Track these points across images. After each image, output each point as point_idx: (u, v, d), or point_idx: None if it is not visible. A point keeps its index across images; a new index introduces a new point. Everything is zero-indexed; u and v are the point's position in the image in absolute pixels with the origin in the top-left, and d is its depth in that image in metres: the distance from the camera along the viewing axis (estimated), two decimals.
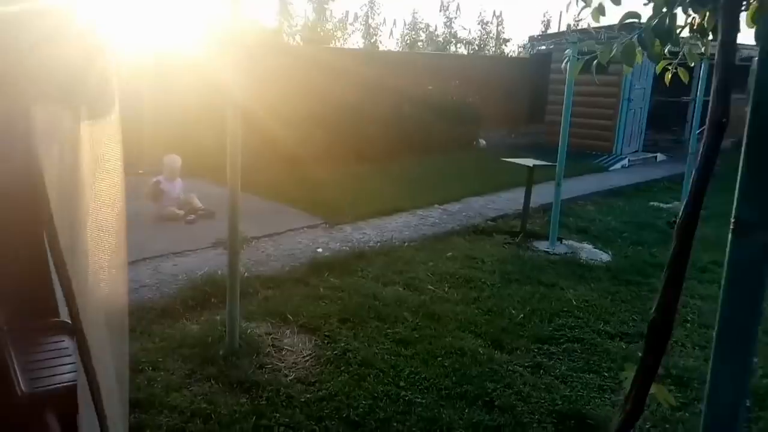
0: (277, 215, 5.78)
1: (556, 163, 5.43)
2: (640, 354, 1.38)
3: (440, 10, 18.75)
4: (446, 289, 4.28)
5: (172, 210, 5.38)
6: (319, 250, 4.83)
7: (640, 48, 2.14)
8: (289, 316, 3.60)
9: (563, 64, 4.19)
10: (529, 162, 5.61)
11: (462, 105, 10.88)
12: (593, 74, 2.04)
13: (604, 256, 5.34)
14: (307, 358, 3.19)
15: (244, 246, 4.76)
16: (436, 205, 6.60)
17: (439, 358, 3.25)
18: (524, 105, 13.14)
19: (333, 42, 15.64)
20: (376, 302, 3.88)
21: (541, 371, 3.24)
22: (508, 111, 12.87)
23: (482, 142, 11.54)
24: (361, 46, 17.23)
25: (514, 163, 5.80)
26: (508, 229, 5.94)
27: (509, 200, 7.10)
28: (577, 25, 16.97)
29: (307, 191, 6.79)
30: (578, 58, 2.89)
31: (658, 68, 2.56)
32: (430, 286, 4.28)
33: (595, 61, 2.07)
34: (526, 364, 3.29)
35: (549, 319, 3.88)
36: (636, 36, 1.87)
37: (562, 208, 5.60)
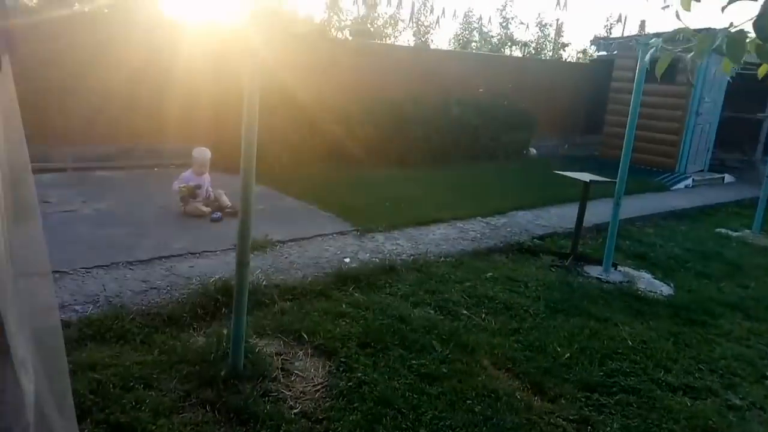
0: (308, 218, 5.44)
1: (616, 180, 4.88)
2: (707, 415, 0.99)
3: (497, 11, 18.14)
4: (483, 315, 3.82)
5: (198, 206, 5.12)
6: (347, 260, 4.45)
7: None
8: (304, 334, 3.24)
9: (645, 57, 3.63)
10: (586, 177, 5.07)
11: (514, 110, 10.31)
12: (688, 77, 1.56)
13: (665, 289, 4.75)
14: (318, 387, 2.82)
15: (267, 250, 4.45)
16: (479, 218, 6.13)
17: (469, 401, 2.81)
18: (581, 114, 12.41)
19: (383, 39, 15.30)
20: (403, 326, 3.46)
21: (589, 428, 2.76)
22: (563, 119, 12.18)
23: (533, 151, 10.94)
24: (412, 44, 16.82)
25: (569, 177, 5.25)
26: (556, 249, 5.41)
27: (559, 217, 6.54)
28: (643, 30, 16.05)
29: (343, 193, 6.45)
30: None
31: (761, 71, 2.07)
32: (465, 311, 3.83)
33: (689, 57, 1.60)
34: (571, 417, 2.81)
35: (600, 362, 3.38)
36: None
37: (618, 229, 5.04)
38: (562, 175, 5.38)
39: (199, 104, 7.17)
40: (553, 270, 4.95)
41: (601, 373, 3.26)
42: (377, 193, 6.68)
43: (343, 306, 3.68)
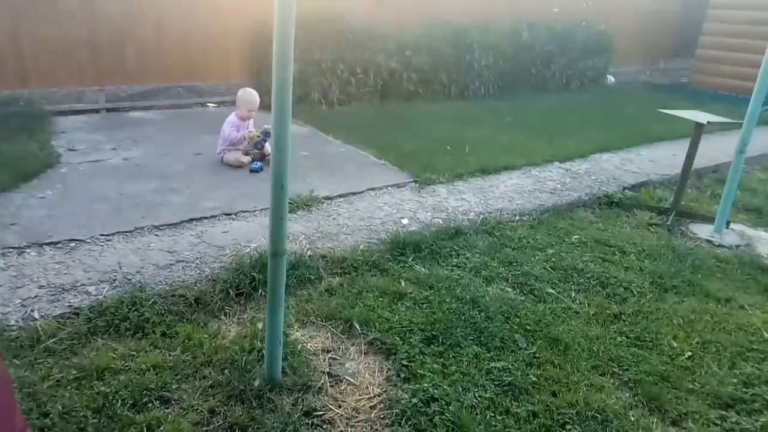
0: (358, 167, 4.76)
1: (741, 121, 3.90)
2: None
3: None
4: (573, 295, 3.11)
5: (238, 156, 4.52)
6: (405, 221, 3.78)
7: None
8: (356, 324, 2.65)
9: None
10: (701, 117, 4.09)
11: (592, 32, 9.00)
12: None
13: None
14: (375, 401, 2.24)
15: (313, 209, 3.83)
16: (557, 163, 5.26)
17: (569, 426, 2.17)
18: (668, 34, 10.83)
19: None
20: (476, 312, 2.81)
21: None
22: (647, 41, 10.68)
23: (611, 78, 9.67)
24: None
25: (676, 116, 4.28)
26: (653, 203, 4.54)
27: (652, 161, 5.58)
28: None
29: (397, 135, 5.69)
30: None
31: None
32: (550, 289, 3.13)
33: None
34: None
35: (731, 362, 2.65)
36: None
37: (718, 172, 4.11)
38: (667, 114, 4.38)
39: (236, 33, 6.44)
40: (652, 230, 4.12)
41: (735, 381, 2.53)
42: (437, 133, 5.88)
43: (402, 283, 3.05)
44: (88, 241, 3.15)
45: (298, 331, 2.63)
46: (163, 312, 2.60)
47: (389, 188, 4.32)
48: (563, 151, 5.55)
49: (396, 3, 7.35)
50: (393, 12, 7.24)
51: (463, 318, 2.76)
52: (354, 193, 4.15)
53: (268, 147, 4.67)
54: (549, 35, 8.47)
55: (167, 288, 2.77)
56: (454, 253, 3.45)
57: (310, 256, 3.20)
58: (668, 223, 4.20)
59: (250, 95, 4.61)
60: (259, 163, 4.46)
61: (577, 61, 8.87)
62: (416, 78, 7.29)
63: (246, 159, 4.54)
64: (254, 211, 3.71)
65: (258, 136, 4.53)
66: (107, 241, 3.19)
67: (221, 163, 4.58)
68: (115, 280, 2.80)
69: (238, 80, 6.61)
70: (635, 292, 3.17)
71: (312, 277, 3.03)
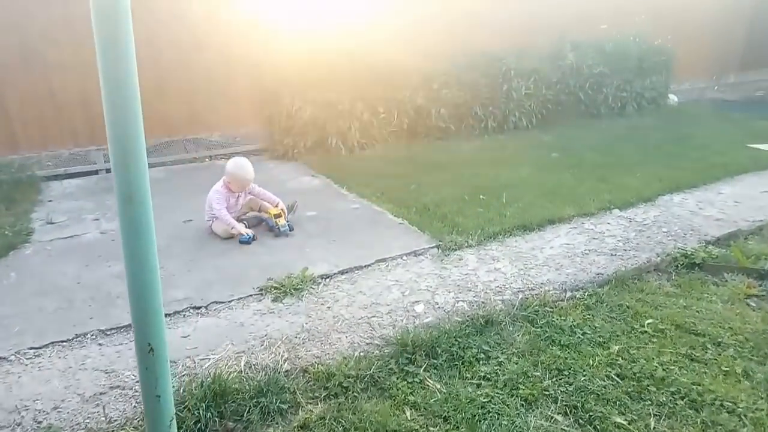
0: (371, 228, 3.99)
1: None
2: None
3: None
4: (652, 425, 2.17)
5: (226, 227, 3.82)
6: (419, 308, 2.95)
7: None
8: None
9: None
10: None
11: (648, 48, 7.98)
12: None
13: None
14: None
15: (304, 294, 3.06)
16: (616, 211, 4.31)
17: None
18: (737, 44, 9.62)
19: None
20: None
21: None
22: (712, 53, 9.52)
23: (673, 98, 8.57)
24: None
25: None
26: (748, 262, 3.51)
27: (737, 201, 4.53)
28: None
29: (422, 182, 4.90)
30: None
31: None
32: (618, 418, 2.20)
33: None
34: None
35: None
36: None
37: None
38: (757, 149, 3.38)
39: (242, 78, 5.90)
40: (753, 305, 3.10)
41: None
42: (468, 178, 5.05)
43: (407, 412, 2.22)
44: (11, 359, 2.50)
45: None
46: None
47: (404, 258, 3.51)
48: (623, 193, 4.59)
49: (418, 31, 6.66)
50: (416, 42, 6.54)
51: None
52: (359, 267, 3.36)
53: (272, 205, 3.99)
54: (598, 55, 7.53)
55: None
56: (482, 355, 2.58)
57: (287, 371, 2.42)
58: None
59: (242, 169, 3.85)
60: (249, 234, 3.75)
61: (632, 81, 7.86)
62: (447, 114, 6.51)
63: (236, 232, 3.84)
64: (230, 301, 2.98)
65: (277, 215, 3.88)
66: (35, 356, 2.53)
67: (210, 232, 3.91)
68: (20, 424, 2.11)
69: (248, 127, 6.07)
70: (747, 420, 2.19)
71: (284, 407, 2.25)
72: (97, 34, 1.16)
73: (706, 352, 2.63)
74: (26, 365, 2.46)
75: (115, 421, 2.13)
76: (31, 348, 2.57)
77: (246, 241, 3.70)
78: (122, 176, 1.26)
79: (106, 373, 2.41)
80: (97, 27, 1.16)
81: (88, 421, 2.13)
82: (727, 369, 2.50)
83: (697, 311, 2.98)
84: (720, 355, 2.61)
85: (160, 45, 5.41)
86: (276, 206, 3.96)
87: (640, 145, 6.28)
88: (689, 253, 3.58)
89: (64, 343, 2.61)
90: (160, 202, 4.64)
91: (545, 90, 7.10)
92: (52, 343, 2.61)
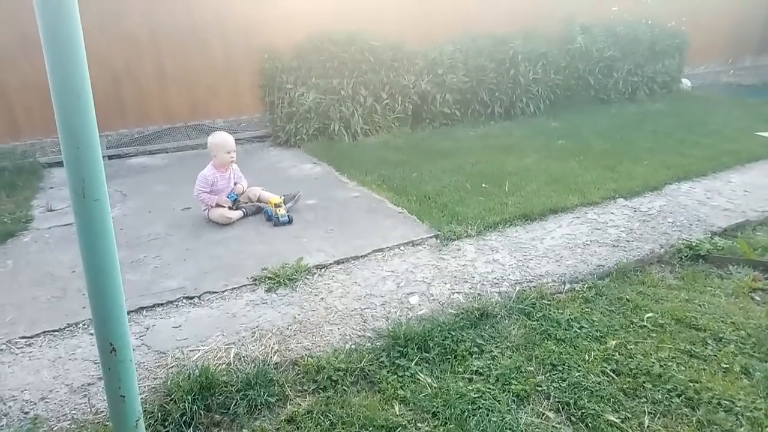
0: (369, 217, 3.94)
1: None
2: None
3: None
4: (646, 423, 2.12)
5: (222, 212, 3.82)
6: (413, 299, 2.91)
7: None
8: None
9: None
10: None
11: (661, 31, 7.77)
12: None
13: None
14: None
15: (297, 284, 3.03)
16: (621, 200, 4.22)
17: None
18: (753, 27, 9.34)
19: None
20: None
21: None
22: (727, 36, 9.26)
23: (686, 83, 8.36)
24: None
25: None
26: (755, 255, 3.41)
27: (747, 191, 4.41)
28: None
29: (423, 170, 4.83)
30: None
31: None
32: (611, 415, 2.15)
33: None
34: None
35: None
36: None
37: None
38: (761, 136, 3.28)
39: (243, 64, 5.83)
40: (758, 299, 3.02)
41: None
42: (471, 165, 4.97)
43: (396, 407, 2.19)
44: (2, 348, 2.50)
45: None
46: None
47: (402, 248, 3.47)
48: (629, 182, 4.49)
49: (423, 16, 6.53)
50: (420, 26, 6.42)
51: None
52: (355, 258, 3.32)
53: (266, 195, 3.96)
54: (608, 38, 7.35)
55: (68, 426, 2.05)
56: (475, 349, 2.54)
57: (276, 364, 2.40)
58: None
59: (219, 137, 3.90)
60: (243, 208, 3.76)
61: (643, 65, 7.67)
62: (452, 99, 6.40)
63: (234, 215, 3.84)
64: (223, 291, 2.96)
65: (278, 204, 3.84)
66: (27, 345, 2.53)
67: (208, 220, 3.89)
68: (7, 414, 2.11)
69: (249, 114, 6.01)
70: (744, 419, 2.14)
71: (272, 400, 2.22)
72: (41, 18, 1.12)
73: (706, 348, 2.56)
74: (17, 354, 2.47)
75: (102, 412, 2.13)
76: (23, 337, 2.57)
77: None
78: (74, 171, 1.22)
79: (95, 363, 2.40)
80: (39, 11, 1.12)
81: (74, 412, 2.13)
82: (727, 366, 2.43)
83: (699, 305, 2.91)
84: (720, 351, 2.54)
85: (160, 30, 5.35)
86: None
87: (650, 132, 6.14)
88: (694, 244, 3.49)
89: (55, 334, 2.61)
90: (161, 190, 4.64)
91: (553, 74, 6.95)
92: (44, 332, 2.61)
